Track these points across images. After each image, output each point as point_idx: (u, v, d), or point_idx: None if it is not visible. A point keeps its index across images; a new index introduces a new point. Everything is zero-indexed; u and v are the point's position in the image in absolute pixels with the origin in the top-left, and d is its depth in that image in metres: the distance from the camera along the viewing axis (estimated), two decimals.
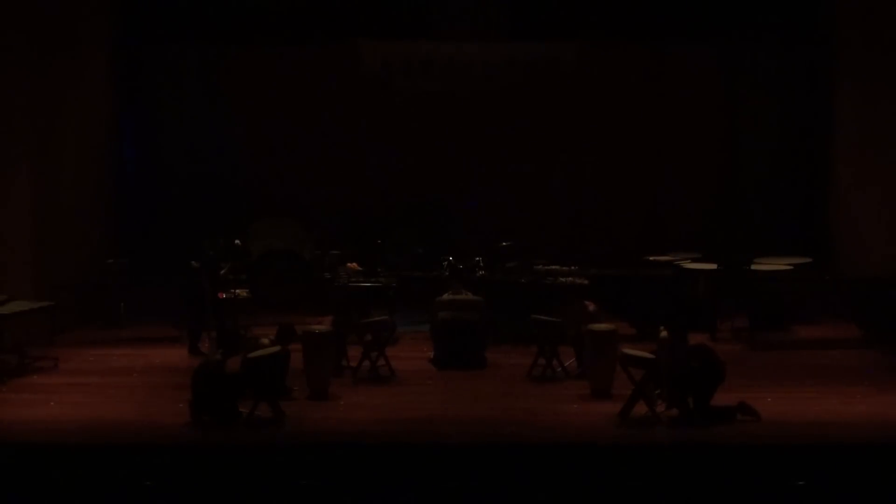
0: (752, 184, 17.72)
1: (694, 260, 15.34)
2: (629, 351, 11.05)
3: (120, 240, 16.65)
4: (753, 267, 14.71)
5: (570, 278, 14.23)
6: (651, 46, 17.64)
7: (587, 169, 17.74)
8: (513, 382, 12.02)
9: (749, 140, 17.81)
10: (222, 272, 13.75)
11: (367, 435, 9.98)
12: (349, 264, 14.89)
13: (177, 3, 17.21)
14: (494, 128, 17.70)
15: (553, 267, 14.57)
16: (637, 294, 14.25)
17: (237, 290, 14.01)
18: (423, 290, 14.15)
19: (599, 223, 17.60)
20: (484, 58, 17.79)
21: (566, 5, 17.21)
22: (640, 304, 14.14)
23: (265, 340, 11.10)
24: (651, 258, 15.75)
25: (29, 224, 14.16)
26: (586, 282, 14.10)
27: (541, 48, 17.80)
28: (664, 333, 10.73)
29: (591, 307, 12.89)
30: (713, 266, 14.76)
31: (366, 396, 11.47)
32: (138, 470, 9.11)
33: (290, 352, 11.05)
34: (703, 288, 14.54)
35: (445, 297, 13.15)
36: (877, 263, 15.04)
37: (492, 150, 17.70)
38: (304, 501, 8.87)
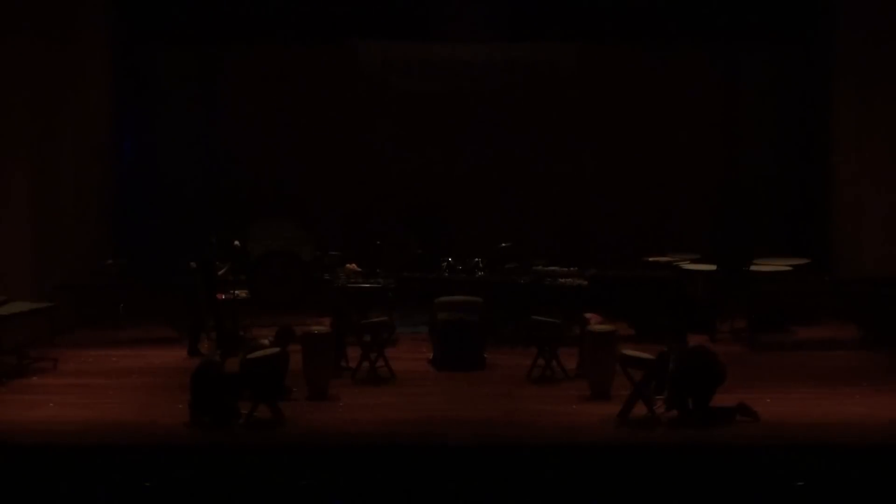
0: (752, 184, 17.73)
1: (693, 260, 15.34)
2: (629, 352, 11.03)
3: (119, 240, 16.65)
4: (753, 268, 14.69)
5: (570, 279, 14.22)
6: (650, 48, 17.66)
7: (587, 169, 17.76)
8: (512, 383, 12.00)
9: (749, 140, 17.83)
10: (221, 272, 13.75)
11: (366, 436, 9.97)
12: (348, 265, 14.90)
13: (176, 4, 17.22)
14: (494, 129, 17.73)
15: (553, 267, 14.57)
16: (636, 294, 14.23)
17: (237, 291, 14.02)
18: (423, 290, 14.15)
19: (599, 224, 17.59)
20: (484, 58, 17.83)
21: (566, 7, 17.21)
22: (639, 304, 14.13)
23: (265, 341, 11.09)
24: (651, 258, 15.75)
25: (28, 225, 14.15)
26: (586, 282, 14.09)
27: (540, 49, 17.85)
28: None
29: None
30: (713, 267, 14.76)
31: (365, 397, 11.45)
32: (138, 470, 9.10)
33: (290, 353, 11.04)
34: (703, 288, 14.53)
35: (445, 297, 13.14)
36: (876, 264, 15.05)
37: (491, 151, 17.72)
38: (303, 502, 8.86)
